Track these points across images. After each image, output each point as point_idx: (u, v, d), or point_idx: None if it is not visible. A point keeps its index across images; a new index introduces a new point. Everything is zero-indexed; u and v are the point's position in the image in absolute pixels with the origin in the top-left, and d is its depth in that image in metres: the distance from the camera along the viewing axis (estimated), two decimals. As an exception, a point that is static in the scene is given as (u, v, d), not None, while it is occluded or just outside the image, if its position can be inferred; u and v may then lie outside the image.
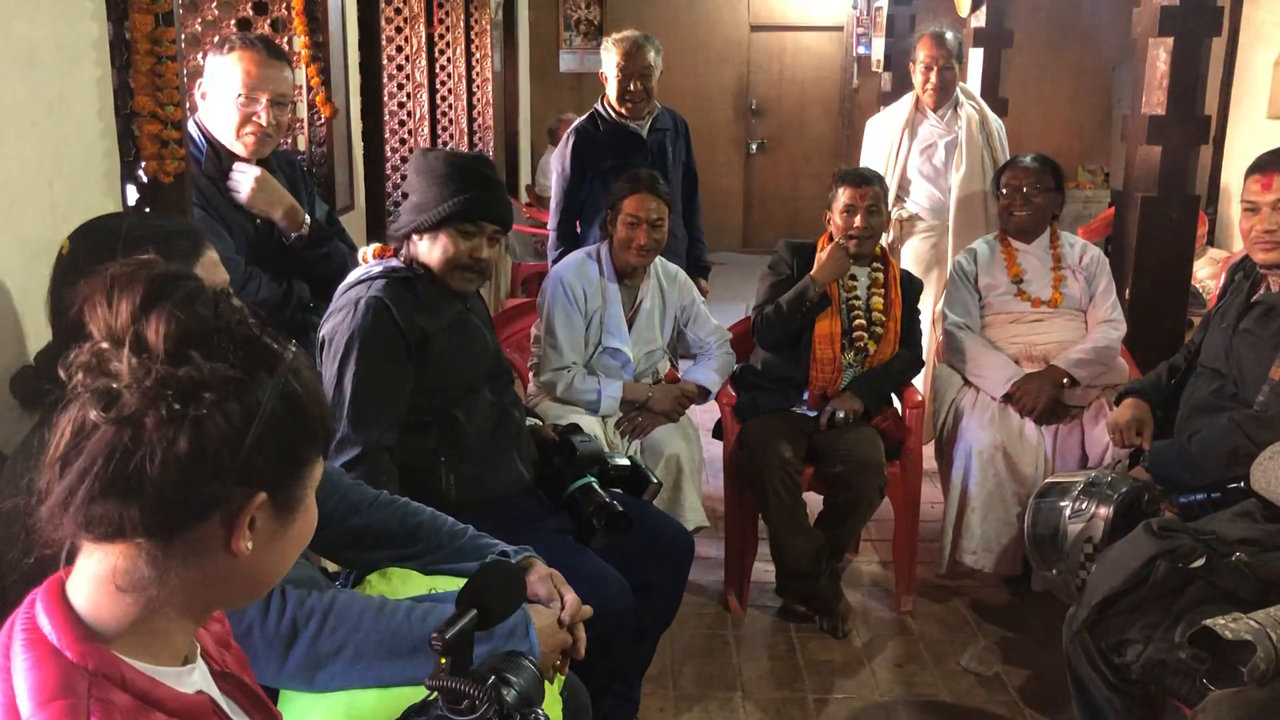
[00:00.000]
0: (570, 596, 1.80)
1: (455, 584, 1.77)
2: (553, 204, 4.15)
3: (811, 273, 3.35)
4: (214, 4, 2.95)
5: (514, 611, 1.57)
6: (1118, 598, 2.13)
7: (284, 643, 1.53)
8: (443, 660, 1.30)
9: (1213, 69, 6.74)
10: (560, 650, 1.74)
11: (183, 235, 1.65)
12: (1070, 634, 2.26)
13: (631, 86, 3.90)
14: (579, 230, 4.05)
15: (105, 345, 0.94)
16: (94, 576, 0.96)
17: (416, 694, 1.52)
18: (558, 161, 4.07)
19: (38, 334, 1.78)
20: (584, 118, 4.06)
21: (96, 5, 1.96)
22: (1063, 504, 2.46)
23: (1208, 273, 5.57)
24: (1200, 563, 2.07)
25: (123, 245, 1.55)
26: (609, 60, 3.93)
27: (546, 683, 1.73)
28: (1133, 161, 3.94)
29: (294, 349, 1.02)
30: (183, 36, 2.65)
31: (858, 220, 3.41)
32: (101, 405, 0.92)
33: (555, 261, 4.07)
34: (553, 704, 1.73)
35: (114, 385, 0.92)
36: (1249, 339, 2.65)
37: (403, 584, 1.79)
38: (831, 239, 3.47)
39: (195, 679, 1.03)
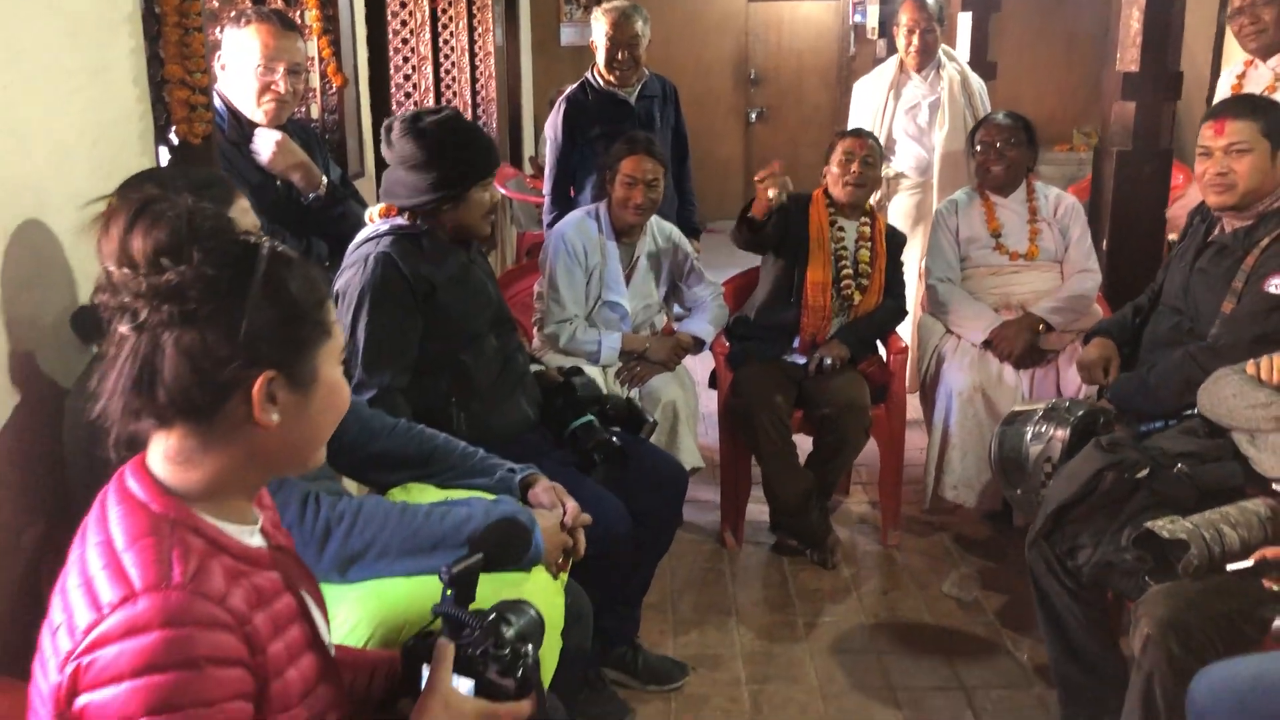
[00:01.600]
0: (571, 504, 2.01)
1: (468, 494, 1.98)
2: (546, 170, 4.33)
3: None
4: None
5: (514, 564, 1.74)
6: (1070, 507, 2.34)
7: (319, 541, 1.74)
8: (448, 591, 1.41)
9: (1204, 28, 6.90)
10: (562, 549, 1.95)
11: (216, 184, 1.85)
12: (1030, 544, 2.47)
13: (619, 55, 4.07)
14: (572, 195, 4.23)
15: (112, 268, 1.12)
16: (160, 455, 1.17)
17: (434, 584, 1.73)
18: (550, 129, 4.25)
19: (86, 278, 1.98)
20: (574, 86, 4.22)
21: (130, -20, 2.16)
22: (1025, 429, 2.65)
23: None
24: (1145, 473, 2.27)
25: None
26: (598, 29, 4.10)
27: (550, 578, 1.95)
28: (1108, 117, 4.11)
29: (273, 244, 1.17)
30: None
31: (854, 167, 3.60)
32: (125, 318, 1.12)
33: (550, 225, 4.27)
34: (555, 595, 1.94)
35: (125, 300, 1.11)
36: (1204, 277, 2.83)
37: (421, 495, 2.00)
38: (826, 193, 3.67)
39: (256, 541, 1.24)
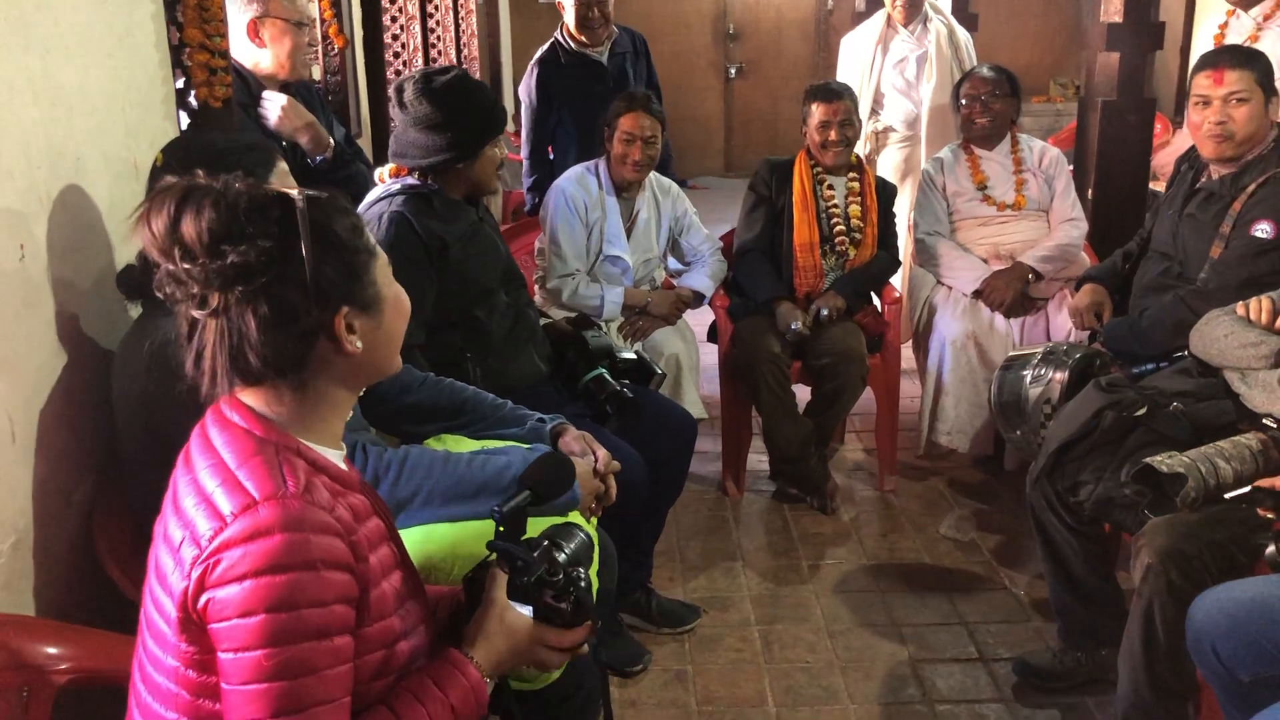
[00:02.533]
0: (601, 451, 2.09)
1: (501, 445, 2.06)
2: (523, 133, 4.35)
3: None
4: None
5: (562, 493, 1.82)
6: (1071, 445, 2.44)
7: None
8: (500, 529, 1.46)
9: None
10: (594, 495, 2.03)
11: (259, 149, 1.90)
12: (1031, 482, 2.57)
13: (591, 14, 4.10)
14: (551, 156, 4.26)
15: (169, 264, 1.18)
16: (255, 396, 1.26)
17: (478, 527, 1.81)
18: (524, 93, 4.27)
19: (122, 241, 2.03)
20: (545, 48, 4.23)
21: (149, -53, 2.19)
22: (1024, 372, 2.75)
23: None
24: (1142, 412, 2.37)
25: (212, 158, 1.79)
26: None
27: (584, 520, 2.03)
28: (1093, 68, 4.18)
29: (302, 194, 1.23)
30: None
31: (832, 134, 3.66)
32: (196, 305, 1.19)
33: (529, 190, 4.33)
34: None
35: (193, 289, 1.18)
36: (1192, 223, 2.92)
37: (456, 445, 2.08)
38: (809, 153, 3.73)
39: (344, 466, 1.32)
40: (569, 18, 4.11)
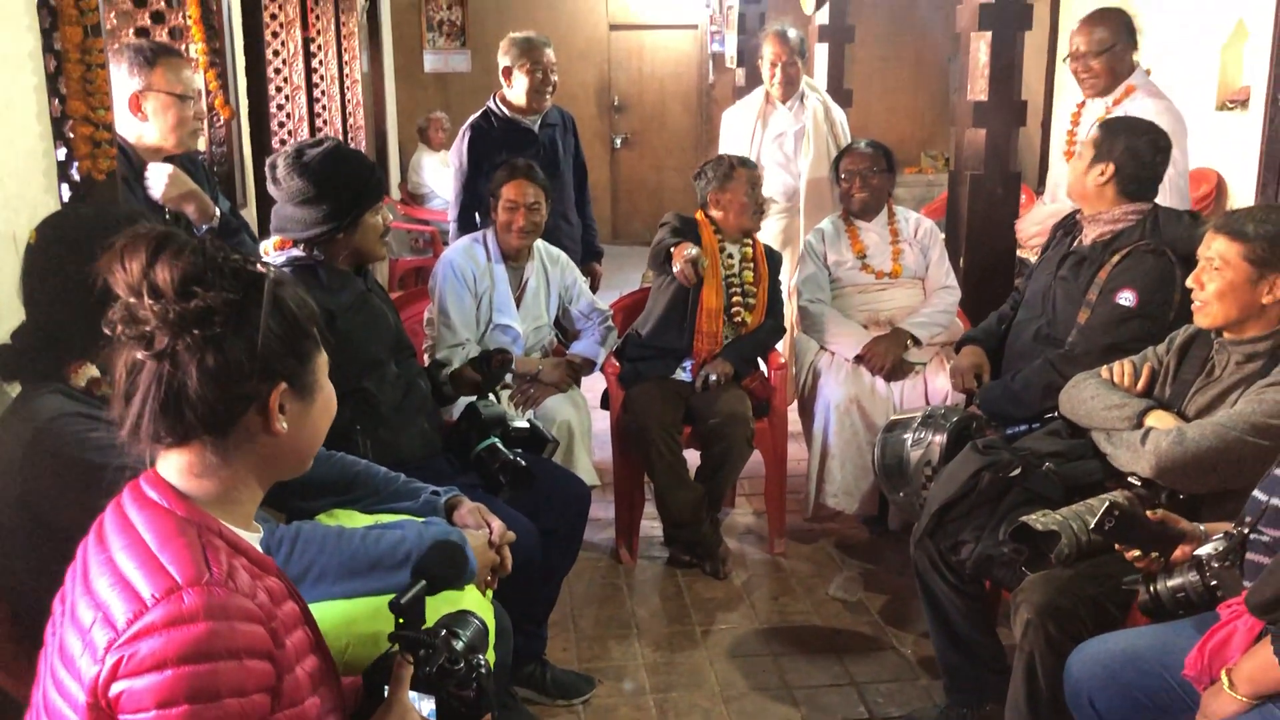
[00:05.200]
0: (496, 523, 2.09)
1: (394, 518, 2.04)
2: (452, 197, 4.38)
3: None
4: (112, 13, 3.12)
5: (455, 584, 1.82)
6: (951, 506, 2.52)
7: None
8: (399, 620, 1.45)
9: (1037, 59, 7.39)
10: (490, 568, 2.03)
11: (136, 220, 1.86)
12: (915, 542, 2.65)
13: (546, 85, 4.18)
14: (479, 221, 4.29)
15: (132, 299, 1.19)
16: (174, 468, 1.24)
17: (372, 604, 1.79)
18: (455, 157, 4.31)
19: (4, 316, 1.97)
20: (478, 115, 4.29)
21: (31, 19, 2.15)
22: (905, 435, 2.85)
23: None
24: (1017, 472, 2.48)
25: (87, 232, 1.76)
26: (518, 61, 4.16)
27: (480, 595, 2.02)
28: (961, 143, 4.39)
29: (272, 268, 1.27)
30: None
31: (759, 195, 3.86)
32: (143, 346, 1.19)
33: None
34: (486, 611, 2.01)
35: (146, 328, 1.19)
36: (1064, 285, 3.07)
37: (348, 520, 2.05)
38: (711, 220, 3.83)
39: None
40: (519, 85, 4.16)
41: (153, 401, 1.18)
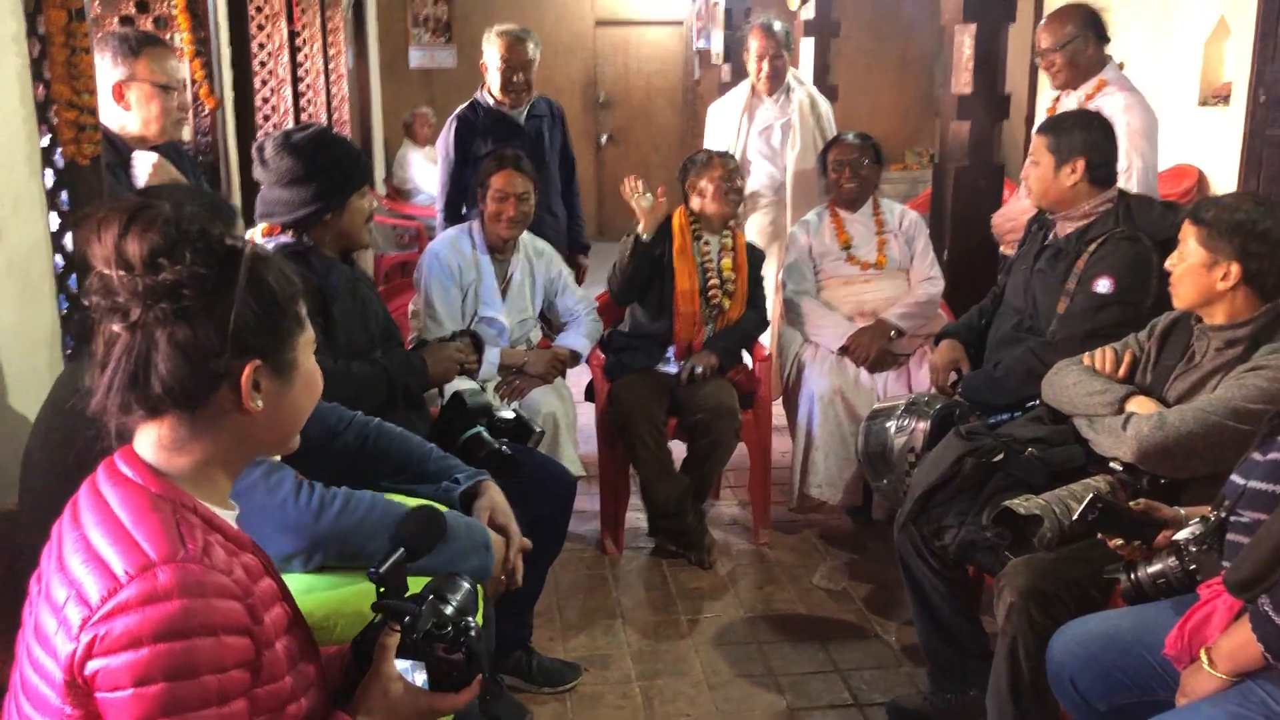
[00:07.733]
0: (516, 535, 2.12)
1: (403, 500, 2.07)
2: (438, 188, 4.39)
3: (639, 228, 3.72)
4: (97, 2, 3.11)
5: (433, 548, 1.84)
6: (934, 491, 2.54)
7: (314, 513, 1.87)
8: (380, 590, 1.44)
9: (1022, 53, 7.42)
10: (501, 577, 2.06)
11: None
12: (899, 528, 2.67)
13: (514, 79, 4.18)
14: (465, 212, 4.29)
15: (105, 270, 1.19)
16: (149, 443, 1.24)
17: (362, 587, 1.79)
18: (442, 148, 4.32)
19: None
20: (465, 106, 4.30)
21: (14, 3, 2.14)
22: (889, 423, 2.87)
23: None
24: (1000, 458, 2.50)
25: None
26: (491, 53, 4.18)
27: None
28: (946, 137, 4.42)
29: (253, 245, 1.25)
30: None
31: (737, 183, 3.86)
32: (116, 317, 1.18)
33: None
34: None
35: (119, 300, 1.18)
36: (1042, 278, 3.10)
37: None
38: (689, 213, 3.84)
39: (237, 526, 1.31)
40: (493, 80, 4.18)
41: (122, 373, 1.18)
